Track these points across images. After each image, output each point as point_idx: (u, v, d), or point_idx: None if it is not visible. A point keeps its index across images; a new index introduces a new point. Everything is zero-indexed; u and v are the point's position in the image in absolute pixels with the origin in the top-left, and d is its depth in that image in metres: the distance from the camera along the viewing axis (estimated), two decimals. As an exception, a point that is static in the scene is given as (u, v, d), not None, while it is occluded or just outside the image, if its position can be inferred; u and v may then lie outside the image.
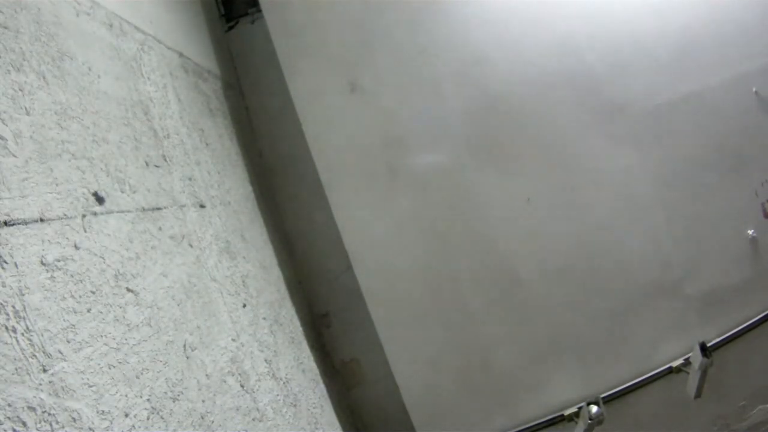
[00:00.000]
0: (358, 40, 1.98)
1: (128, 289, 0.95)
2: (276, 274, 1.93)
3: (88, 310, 0.82)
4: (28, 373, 0.67)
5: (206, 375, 1.13)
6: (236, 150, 1.98)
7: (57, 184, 0.84)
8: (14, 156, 0.76)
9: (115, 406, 0.81)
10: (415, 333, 1.97)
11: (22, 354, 0.67)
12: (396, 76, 1.97)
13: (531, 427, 1.96)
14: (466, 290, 1.97)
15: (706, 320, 1.98)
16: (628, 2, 1.95)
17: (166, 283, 1.09)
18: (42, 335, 0.71)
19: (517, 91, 1.96)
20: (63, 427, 0.69)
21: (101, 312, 0.85)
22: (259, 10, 2.15)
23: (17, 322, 0.68)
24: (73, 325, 0.78)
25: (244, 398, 1.27)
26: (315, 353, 2.03)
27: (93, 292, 0.85)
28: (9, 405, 0.62)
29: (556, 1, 1.95)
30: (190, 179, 1.42)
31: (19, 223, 0.73)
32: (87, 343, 0.79)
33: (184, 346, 1.08)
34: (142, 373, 0.90)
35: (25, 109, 0.82)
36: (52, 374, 0.71)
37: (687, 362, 1.97)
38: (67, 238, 0.83)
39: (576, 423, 1.93)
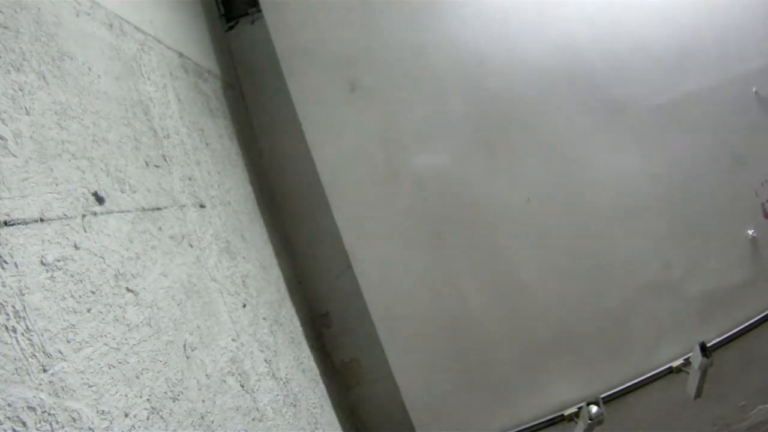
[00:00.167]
0: (358, 40, 1.98)
1: (128, 289, 0.95)
2: (276, 274, 1.93)
3: (88, 310, 0.82)
4: (28, 373, 0.67)
5: (206, 375, 1.13)
6: (236, 150, 1.98)
7: (57, 184, 0.84)
8: (14, 156, 0.76)
9: (115, 406, 0.81)
10: (415, 333, 1.97)
11: (22, 354, 0.67)
12: (396, 76, 1.97)
13: (531, 427, 1.96)
14: (466, 290, 1.97)
15: (706, 320, 1.98)
16: (628, 2, 1.95)
17: (166, 283, 1.09)
18: (42, 335, 0.71)
19: (517, 91, 1.96)
20: (63, 427, 0.69)
21: (101, 312, 0.85)
22: (259, 10, 2.15)
23: (17, 322, 0.68)
24: (73, 325, 0.78)
25: (244, 398, 1.27)
26: (315, 353, 2.03)
27: (93, 292, 0.85)
28: (9, 405, 0.62)
29: (556, 1, 1.95)
30: (190, 179, 1.42)
31: (19, 223, 0.73)
32: (87, 343, 0.79)
33: (184, 346, 1.08)
34: (142, 373, 0.90)
35: (25, 109, 0.82)
36: (52, 374, 0.71)
37: (687, 362, 1.97)
38: (67, 238, 0.83)
39: (576, 423, 1.93)
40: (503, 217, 1.97)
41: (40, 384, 0.68)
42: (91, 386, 0.77)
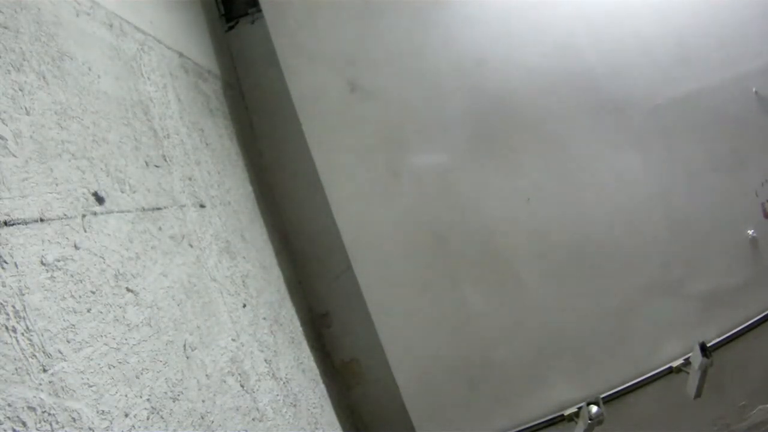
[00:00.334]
0: (358, 40, 1.98)
1: (128, 289, 0.95)
2: (276, 274, 1.93)
3: (88, 310, 0.82)
4: (28, 373, 0.67)
5: (206, 375, 1.13)
6: (236, 150, 1.98)
7: (57, 184, 0.84)
8: (14, 156, 0.76)
9: (115, 406, 0.81)
10: (415, 333, 1.97)
11: (22, 354, 0.67)
12: (396, 76, 1.97)
13: (531, 427, 1.96)
14: (466, 290, 1.97)
15: (706, 320, 1.98)
16: (628, 2, 1.95)
17: (166, 283, 1.09)
18: (42, 335, 0.71)
19: (517, 90, 1.96)
20: (63, 427, 0.69)
21: (101, 312, 0.85)
22: (259, 10, 2.15)
23: (17, 322, 0.68)
24: (73, 325, 0.78)
25: (244, 398, 1.27)
26: (315, 353, 2.03)
27: (93, 292, 0.85)
28: (9, 405, 0.62)
29: (556, 1, 1.95)
30: (190, 179, 1.42)
31: (19, 223, 0.73)
32: (87, 343, 0.79)
33: (184, 346, 1.08)
34: (142, 373, 0.90)
35: (25, 109, 0.82)
36: (52, 374, 0.71)
37: (687, 362, 1.97)
38: (67, 238, 0.83)
39: (576, 423, 1.93)
40: (503, 217, 1.97)
41: (40, 384, 0.68)
42: (91, 386, 0.77)
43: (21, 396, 0.64)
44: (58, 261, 0.79)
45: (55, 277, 0.77)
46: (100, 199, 0.95)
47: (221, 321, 1.30)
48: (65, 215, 0.84)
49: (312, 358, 1.97)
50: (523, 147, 1.97)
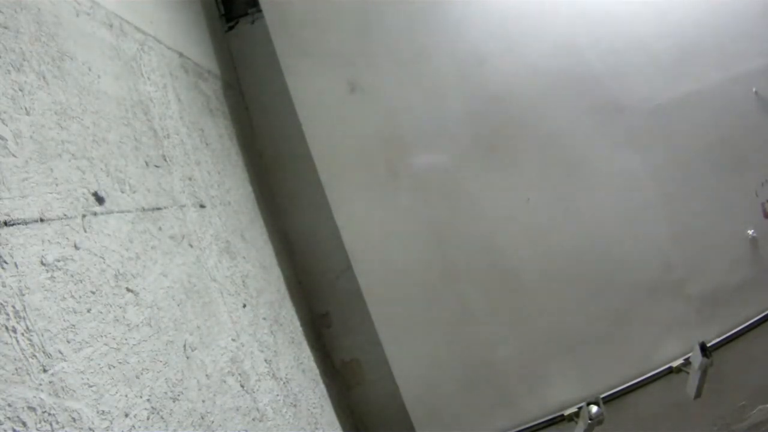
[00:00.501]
0: (358, 40, 1.98)
1: (128, 289, 0.95)
2: (276, 274, 1.93)
3: (88, 310, 0.82)
4: (28, 373, 0.67)
5: (206, 375, 1.13)
6: (236, 150, 1.98)
7: (57, 184, 0.84)
8: (14, 156, 0.76)
9: (115, 406, 0.81)
10: (415, 333, 1.97)
11: (22, 354, 0.67)
12: (396, 76, 1.97)
13: (531, 427, 1.96)
14: (466, 290, 1.97)
15: (706, 320, 1.98)
16: (628, 2, 1.95)
17: (166, 283, 1.09)
18: (42, 335, 0.71)
19: (517, 90, 1.96)
20: (63, 427, 0.69)
21: (101, 312, 0.85)
22: (259, 10, 2.15)
23: (17, 322, 0.68)
24: (73, 325, 0.78)
25: (244, 398, 1.27)
26: (315, 353, 2.03)
27: (93, 292, 0.85)
28: (9, 405, 0.62)
29: (557, 1, 1.95)
30: (190, 179, 1.42)
31: (19, 223, 0.73)
32: (87, 343, 0.79)
33: (184, 346, 1.08)
34: (142, 373, 0.90)
35: (25, 109, 0.82)
36: (52, 374, 0.71)
37: (687, 362, 1.97)
38: (67, 238, 0.83)
39: (576, 423, 1.93)
40: (503, 217, 1.97)
41: (40, 384, 0.68)
42: (91, 386, 0.77)
43: (21, 396, 0.64)
44: (58, 261, 0.79)
45: (55, 277, 0.77)
46: (100, 199, 0.95)
47: (221, 321, 1.30)
48: (65, 215, 0.84)
49: (312, 358, 1.97)
50: (523, 147, 1.97)
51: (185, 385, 1.03)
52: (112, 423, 0.79)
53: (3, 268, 0.68)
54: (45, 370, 0.69)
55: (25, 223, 0.74)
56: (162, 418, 0.92)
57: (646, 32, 1.94)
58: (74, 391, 0.73)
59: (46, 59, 0.92)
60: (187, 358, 1.07)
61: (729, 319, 1.99)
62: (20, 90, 0.82)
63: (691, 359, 1.95)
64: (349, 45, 1.98)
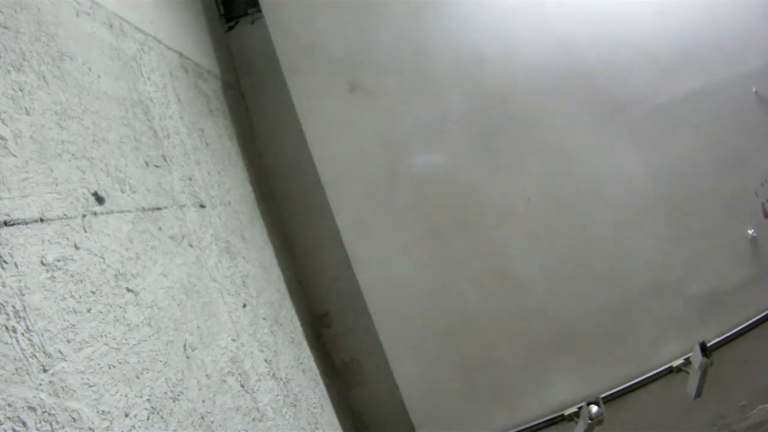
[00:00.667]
0: (358, 40, 1.97)
1: (128, 289, 0.95)
2: (276, 274, 1.93)
3: (88, 310, 0.82)
4: (28, 373, 0.67)
5: (206, 375, 1.13)
6: (236, 150, 1.98)
7: (57, 184, 0.84)
8: (14, 156, 0.76)
9: (115, 406, 0.81)
10: (415, 333, 1.97)
11: (22, 354, 0.67)
12: (396, 76, 1.97)
13: (531, 427, 1.96)
14: (466, 290, 1.97)
15: (706, 320, 1.98)
16: (628, 2, 1.95)
17: (166, 283, 1.09)
18: (42, 335, 0.71)
19: (517, 91, 1.96)
20: (63, 427, 0.69)
21: (101, 312, 0.85)
22: (259, 10, 2.15)
23: (17, 322, 0.68)
24: (73, 325, 0.78)
25: (244, 398, 1.27)
26: (315, 353, 2.03)
27: (93, 292, 0.85)
28: (9, 405, 0.62)
29: (557, 1, 1.95)
30: (190, 179, 1.42)
31: (19, 223, 0.73)
32: (87, 343, 0.79)
33: (184, 346, 1.08)
34: (142, 373, 0.90)
35: (25, 109, 0.82)
36: (52, 374, 0.71)
37: (687, 362, 1.97)
38: (67, 238, 0.83)
39: (576, 423, 1.93)
40: (503, 217, 1.97)
41: (40, 384, 0.68)
42: (91, 386, 0.77)
43: (21, 396, 0.64)
44: (58, 261, 0.79)
45: (55, 277, 0.77)
46: (100, 199, 0.95)
47: (221, 321, 1.30)
48: (65, 215, 0.84)
49: (312, 358, 1.97)
50: (523, 147, 1.97)
51: (185, 385, 1.03)
52: (112, 423, 0.79)
53: (3, 268, 0.68)
54: (45, 370, 0.69)
55: (25, 223, 0.74)
56: (162, 418, 0.92)
57: (646, 32, 1.94)
58: (74, 391, 0.73)
59: (46, 59, 0.92)
60: (187, 358, 1.07)
61: (729, 319, 1.99)
62: (20, 90, 0.82)
63: (691, 359, 1.95)
64: (349, 45, 1.98)
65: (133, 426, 0.83)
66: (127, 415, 0.83)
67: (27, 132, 0.81)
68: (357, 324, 2.22)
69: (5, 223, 0.71)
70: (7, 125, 0.77)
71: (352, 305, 2.20)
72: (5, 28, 0.83)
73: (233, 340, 1.33)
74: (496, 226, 1.97)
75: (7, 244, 0.70)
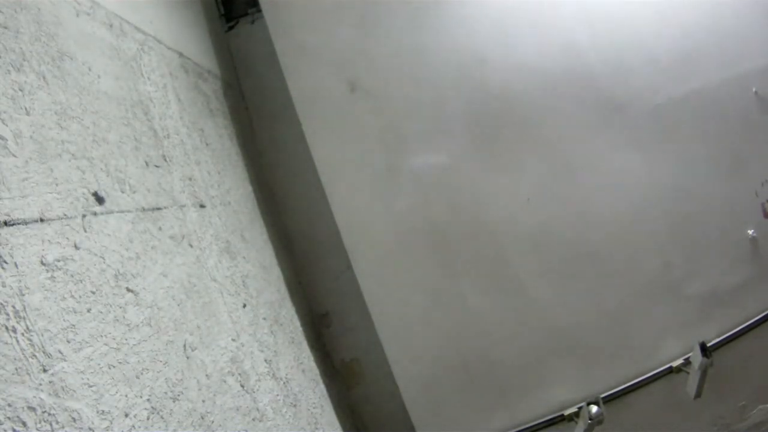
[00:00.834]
0: (358, 40, 1.98)
1: (128, 289, 0.95)
2: (276, 274, 1.93)
3: (88, 310, 0.82)
4: (28, 373, 0.67)
5: (206, 375, 1.13)
6: (236, 150, 1.98)
7: (57, 184, 0.84)
8: (14, 156, 0.76)
9: (115, 406, 0.81)
10: (415, 333, 1.97)
11: (22, 354, 0.67)
12: (396, 76, 1.97)
13: (531, 427, 1.96)
14: (466, 290, 1.97)
15: (706, 320, 1.98)
16: (628, 2, 1.95)
17: (166, 283, 1.09)
18: (42, 335, 0.71)
19: (517, 90, 1.96)
20: (63, 427, 0.69)
21: (101, 312, 0.85)
22: (259, 10, 2.15)
23: (17, 322, 0.68)
24: (73, 325, 0.78)
25: (244, 398, 1.27)
26: (315, 353, 2.03)
27: (93, 292, 0.85)
28: (9, 405, 0.62)
29: (557, 2, 1.95)
30: (190, 179, 1.42)
31: (19, 223, 0.73)
32: (87, 343, 0.79)
33: (184, 346, 1.08)
34: (142, 373, 0.90)
35: (25, 109, 0.82)
36: (52, 374, 0.71)
37: (687, 362, 1.97)
38: (67, 238, 0.83)
39: (576, 423, 1.93)
40: (503, 217, 1.97)
41: (40, 384, 0.68)
42: (91, 386, 0.77)
43: (21, 396, 0.64)
44: (58, 261, 0.79)
45: (55, 277, 0.77)
46: (100, 199, 0.95)
47: (221, 321, 1.30)
48: (65, 215, 0.84)
49: (312, 358, 1.97)
50: (523, 146, 1.97)
51: (185, 385, 1.03)
52: (112, 423, 0.79)
53: (3, 268, 0.68)
54: (45, 370, 0.69)
55: (25, 223, 0.74)
56: (162, 418, 0.92)
57: (646, 32, 1.94)
58: (74, 391, 0.73)
59: (46, 59, 0.92)
60: (187, 358, 1.07)
61: (729, 319, 1.99)
62: (20, 90, 0.82)
63: (691, 359, 1.95)
64: (349, 45, 1.98)
65: (133, 426, 0.83)
66: (127, 415, 0.83)
67: (27, 132, 0.81)
68: (357, 324, 2.22)
69: (5, 223, 0.71)
70: (7, 125, 0.77)
71: (352, 305, 2.20)
72: (5, 28, 0.83)
73: (233, 340, 1.33)
74: (496, 226, 1.97)
75: (7, 244, 0.70)
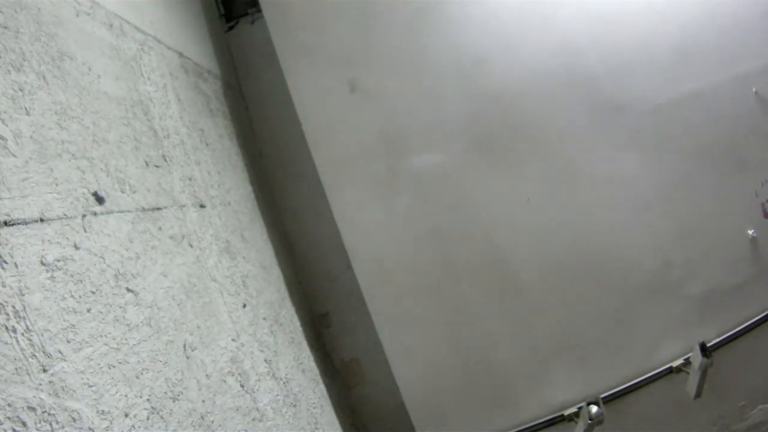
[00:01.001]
0: (358, 40, 1.98)
1: (128, 289, 0.95)
2: (276, 274, 1.93)
3: (88, 310, 0.82)
4: (28, 373, 0.67)
5: (206, 375, 1.13)
6: (236, 150, 1.98)
7: (57, 184, 0.84)
8: (14, 156, 0.76)
9: (115, 406, 0.81)
10: (415, 333, 1.97)
11: (22, 354, 0.67)
12: (396, 76, 1.97)
13: (531, 427, 1.96)
14: (466, 290, 1.97)
15: (706, 320, 1.98)
16: (628, 2, 1.95)
17: (166, 283, 1.09)
18: (42, 335, 0.71)
19: (517, 91, 1.96)
20: (63, 427, 0.69)
21: (101, 312, 0.85)
22: (259, 10, 2.15)
23: (17, 322, 0.68)
24: (73, 325, 0.78)
25: (244, 398, 1.27)
26: (315, 353, 2.03)
27: (93, 292, 0.85)
28: (9, 405, 0.62)
29: (557, 2, 1.95)
30: (190, 179, 1.42)
31: (19, 223, 0.73)
32: (87, 343, 0.79)
33: (184, 346, 1.08)
34: (142, 373, 0.90)
35: (25, 109, 0.82)
36: (52, 374, 0.71)
37: (687, 362, 1.97)
38: (67, 238, 0.83)
39: (576, 423, 1.93)
40: (503, 217, 1.97)
41: (40, 384, 0.68)
42: (91, 386, 0.77)
43: (21, 396, 0.64)
44: (58, 261, 0.79)
45: (55, 277, 0.77)
46: (100, 199, 0.95)
47: (221, 321, 1.30)
48: (65, 215, 0.84)
49: (312, 358, 1.97)
50: (523, 147, 1.97)
51: (185, 385, 1.03)
52: (112, 423, 0.79)
53: (3, 268, 0.68)
54: (45, 370, 0.69)
55: (25, 223, 0.75)
56: (162, 418, 0.92)
57: (646, 32, 1.94)
58: (74, 391, 0.73)
59: (46, 59, 0.92)
60: (187, 358, 1.07)
61: (729, 319, 1.99)
62: (20, 90, 0.82)
63: (691, 359, 1.95)
64: (349, 45, 1.98)
65: (133, 426, 0.83)
66: (126, 415, 0.83)
67: (27, 132, 0.81)
68: (357, 324, 2.22)
69: (5, 223, 0.71)
70: (7, 125, 0.77)
71: (352, 305, 2.20)
72: (5, 28, 0.83)
73: (233, 340, 1.33)
74: (497, 227, 1.97)
75: (7, 244, 0.70)
